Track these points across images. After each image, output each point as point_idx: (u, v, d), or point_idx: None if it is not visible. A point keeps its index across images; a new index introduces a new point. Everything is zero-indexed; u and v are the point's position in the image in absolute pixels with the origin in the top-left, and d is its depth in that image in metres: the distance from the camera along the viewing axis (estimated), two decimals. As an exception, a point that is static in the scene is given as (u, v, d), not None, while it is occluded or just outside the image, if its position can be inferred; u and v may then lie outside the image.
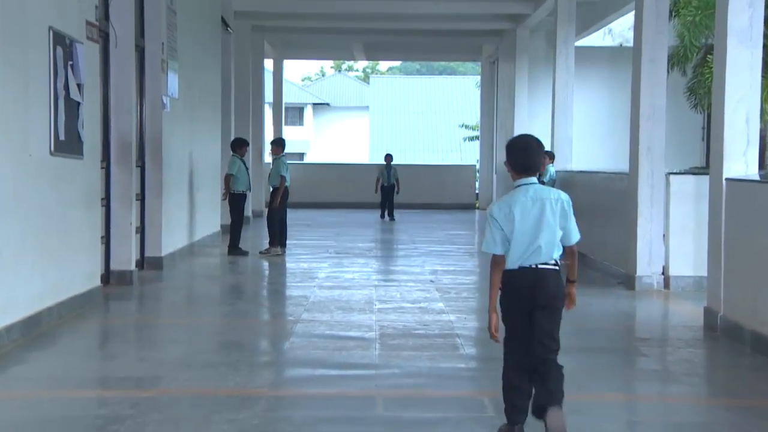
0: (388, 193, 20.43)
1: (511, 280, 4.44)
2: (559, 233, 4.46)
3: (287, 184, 12.96)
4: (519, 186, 4.49)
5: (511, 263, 4.43)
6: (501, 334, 4.52)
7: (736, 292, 7.47)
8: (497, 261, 4.46)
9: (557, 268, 4.47)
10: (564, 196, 4.54)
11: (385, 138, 50.09)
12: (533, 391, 4.44)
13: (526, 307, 4.41)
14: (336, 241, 15.36)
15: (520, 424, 4.52)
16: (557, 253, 4.46)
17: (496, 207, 4.49)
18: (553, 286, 4.44)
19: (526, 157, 4.50)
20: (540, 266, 4.41)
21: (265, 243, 14.28)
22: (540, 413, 4.36)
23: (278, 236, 12.96)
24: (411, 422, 5.12)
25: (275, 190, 13.00)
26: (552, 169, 13.99)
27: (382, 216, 20.20)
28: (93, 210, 8.77)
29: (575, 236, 4.53)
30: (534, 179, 4.49)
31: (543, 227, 4.41)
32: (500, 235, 4.42)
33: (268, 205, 13.18)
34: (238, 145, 13.23)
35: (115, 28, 9.76)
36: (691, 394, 5.93)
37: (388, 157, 20.66)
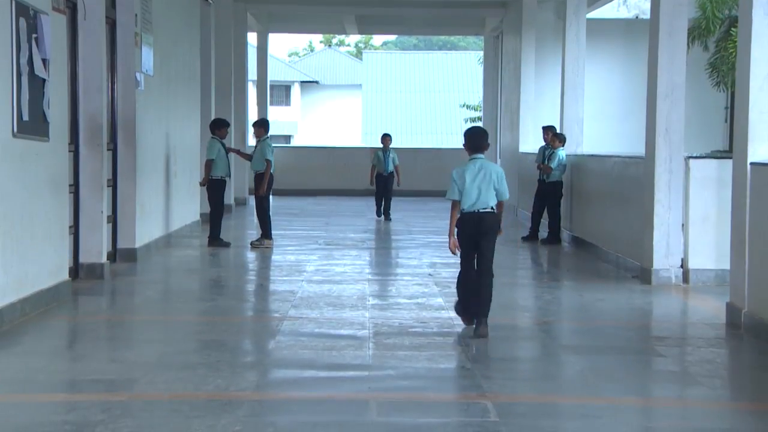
0: (385, 184, 17.59)
1: (464, 219, 7.47)
2: (494, 191, 7.41)
3: (272, 170, 12.89)
4: (471, 159, 7.49)
5: (463, 207, 7.43)
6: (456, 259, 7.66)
7: (761, 287, 7.48)
8: (454, 204, 7.48)
9: (493, 211, 7.44)
10: (499, 169, 7.54)
11: (379, 119, 50.03)
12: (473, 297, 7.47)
13: (474, 236, 7.45)
14: (326, 231, 15.36)
15: (471, 316, 7.52)
16: (493, 203, 7.42)
17: (455, 171, 7.46)
18: (489, 222, 7.45)
19: (475, 141, 7.55)
20: (481, 211, 7.42)
21: (251, 234, 14.28)
22: (474, 317, 7.43)
23: (270, 226, 12.92)
24: (407, 428, 5.13)
25: (259, 175, 12.91)
26: (562, 153, 13.95)
27: (378, 213, 17.59)
28: (60, 197, 8.75)
29: (506, 195, 7.51)
30: (481, 155, 7.50)
31: (483, 187, 7.39)
32: (457, 189, 7.41)
33: (254, 192, 13.13)
34: (218, 127, 13.19)
35: (84, -2, 9.72)
36: (713, 397, 5.94)
37: (386, 139, 17.81)
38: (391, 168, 17.64)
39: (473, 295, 7.44)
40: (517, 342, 7.60)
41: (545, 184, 14.06)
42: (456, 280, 7.79)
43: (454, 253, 7.60)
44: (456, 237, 7.52)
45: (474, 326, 7.39)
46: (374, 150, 18.45)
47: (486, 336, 7.27)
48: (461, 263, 7.65)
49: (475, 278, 7.48)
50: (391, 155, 17.71)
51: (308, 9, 23.44)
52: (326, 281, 10.05)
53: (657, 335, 7.85)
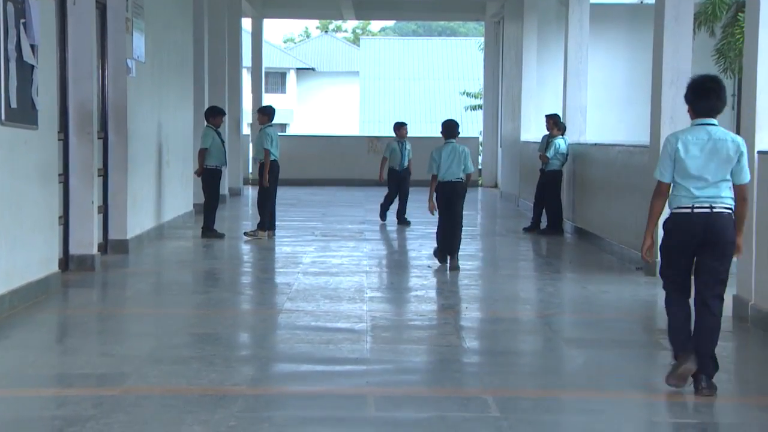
0: (401, 181, 14.99)
1: (440, 187, 10.36)
2: (463, 166, 10.26)
3: (275, 157, 12.83)
4: (446, 143, 10.37)
5: (440, 177, 10.32)
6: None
7: (768, 279, 7.48)
8: (434, 177, 10.34)
9: (461, 180, 10.35)
10: (466, 149, 10.42)
11: (377, 107, 49.98)
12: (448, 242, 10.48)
13: (448, 199, 10.35)
14: (323, 222, 15.35)
15: (445, 256, 10.42)
16: (461, 174, 10.31)
17: (434, 151, 10.36)
18: (459, 189, 10.38)
19: (449, 130, 10.50)
20: (453, 180, 10.30)
21: (246, 225, 14.28)
22: (449, 255, 10.41)
23: (268, 219, 12.88)
24: (405, 423, 5.13)
25: (262, 164, 12.86)
26: (561, 142, 13.90)
27: (384, 216, 15.18)
28: (49, 187, 8.74)
29: (471, 169, 10.42)
30: (453, 140, 10.38)
31: (455, 162, 10.26)
32: (435, 164, 10.28)
33: (258, 183, 13.09)
34: (213, 115, 13.16)
35: (74, -17, 9.69)
36: (720, 391, 5.92)
37: (403, 128, 15.26)
38: (406, 163, 15.14)
39: (448, 241, 10.37)
40: (519, 335, 7.60)
41: (544, 174, 14.04)
42: (435, 232, 10.66)
43: (432, 213, 10.59)
44: (435, 201, 10.46)
45: (447, 264, 10.36)
46: (387, 141, 15.89)
47: (458, 269, 10.18)
48: (439, 219, 10.58)
49: (449, 229, 10.38)
50: (407, 147, 15.19)
51: (304, -6, 23.36)
52: (323, 273, 10.05)
53: (662, 328, 7.77)
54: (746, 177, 5.60)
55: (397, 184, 15.07)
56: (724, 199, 5.57)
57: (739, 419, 5.43)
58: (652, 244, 5.85)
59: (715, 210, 5.55)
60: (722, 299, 5.68)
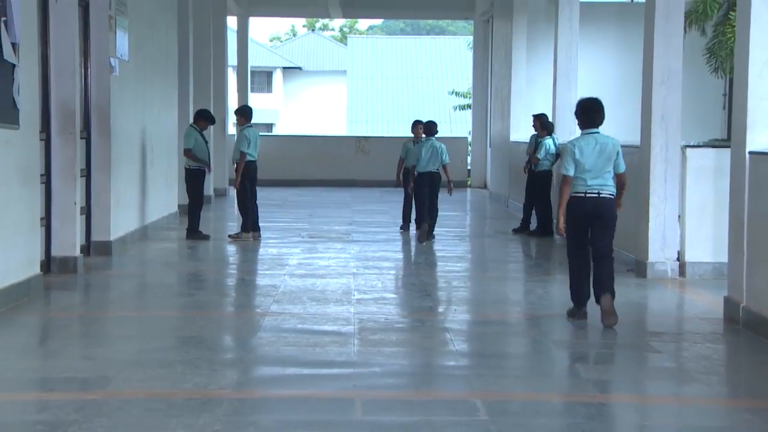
0: (429, 187, 13.00)
1: (421, 176, 12.82)
2: (440, 159, 12.71)
3: (253, 158, 12.84)
4: (426, 139, 12.89)
5: (419, 170, 12.82)
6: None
7: (760, 281, 7.51)
8: (413, 169, 12.99)
9: (438, 172, 12.79)
10: (443, 145, 12.85)
11: (365, 106, 49.96)
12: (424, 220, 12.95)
13: (427, 189, 12.80)
14: (309, 223, 15.34)
15: (426, 225, 12.70)
16: (439, 167, 12.75)
17: (415, 146, 13.14)
18: (436, 180, 12.87)
19: (430, 128, 12.95)
20: (432, 171, 12.77)
21: (231, 226, 14.27)
22: (427, 235, 12.79)
23: (251, 220, 12.87)
24: (393, 427, 5.14)
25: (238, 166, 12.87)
26: (550, 142, 13.91)
27: (406, 227, 14.16)
28: (31, 187, 8.71)
29: (447, 160, 12.82)
30: (433, 138, 12.83)
31: (431, 157, 12.74)
32: (416, 157, 12.87)
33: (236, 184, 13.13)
34: (202, 117, 13.16)
35: (56, -20, 9.66)
36: (710, 394, 5.97)
37: (420, 127, 13.64)
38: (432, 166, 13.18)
39: (427, 215, 12.69)
40: (508, 338, 7.62)
41: (534, 174, 14.06)
42: (416, 216, 13.10)
43: (408, 193, 13.31)
44: (414, 186, 12.85)
45: (425, 240, 12.56)
46: (405, 142, 14.20)
47: (430, 239, 12.64)
48: (418, 204, 12.95)
49: (428, 208, 12.71)
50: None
51: (290, -9, 23.34)
52: (310, 275, 10.04)
53: (652, 330, 7.87)
54: (622, 167, 7.76)
55: (423, 191, 12.97)
56: (609, 187, 7.67)
57: (728, 422, 5.45)
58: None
59: (602, 195, 7.63)
60: (612, 256, 7.78)
